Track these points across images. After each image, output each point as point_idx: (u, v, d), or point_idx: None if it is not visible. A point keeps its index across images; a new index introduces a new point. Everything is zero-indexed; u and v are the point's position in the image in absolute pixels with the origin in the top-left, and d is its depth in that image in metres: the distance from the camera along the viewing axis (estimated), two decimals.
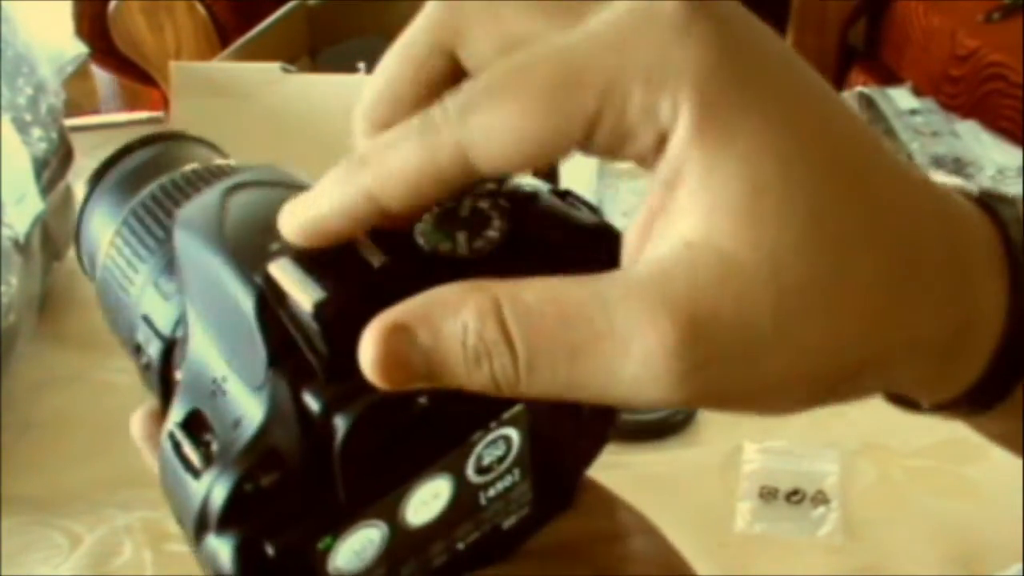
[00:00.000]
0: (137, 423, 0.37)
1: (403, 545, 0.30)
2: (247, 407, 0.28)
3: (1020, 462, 0.87)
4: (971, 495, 0.89)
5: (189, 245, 0.30)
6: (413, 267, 0.27)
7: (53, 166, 1.23)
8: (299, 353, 0.27)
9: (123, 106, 2.04)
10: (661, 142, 0.24)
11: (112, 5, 1.67)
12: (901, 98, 1.37)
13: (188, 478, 0.28)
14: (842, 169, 0.24)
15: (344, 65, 1.38)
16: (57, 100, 1.29)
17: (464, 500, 0.31)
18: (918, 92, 1.44)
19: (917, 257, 0.25)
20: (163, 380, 0.34)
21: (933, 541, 0.84)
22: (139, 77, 1.79)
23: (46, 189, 1.19)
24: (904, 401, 0.31)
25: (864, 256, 0.24)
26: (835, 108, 0.25)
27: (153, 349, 0.34)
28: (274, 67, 1.21)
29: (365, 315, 0.26)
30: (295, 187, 0.31)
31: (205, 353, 0.29)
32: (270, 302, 0.27)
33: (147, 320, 0.35)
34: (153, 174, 0.37)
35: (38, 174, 1.17)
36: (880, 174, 0.25)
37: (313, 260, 0.27)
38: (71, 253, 1.30)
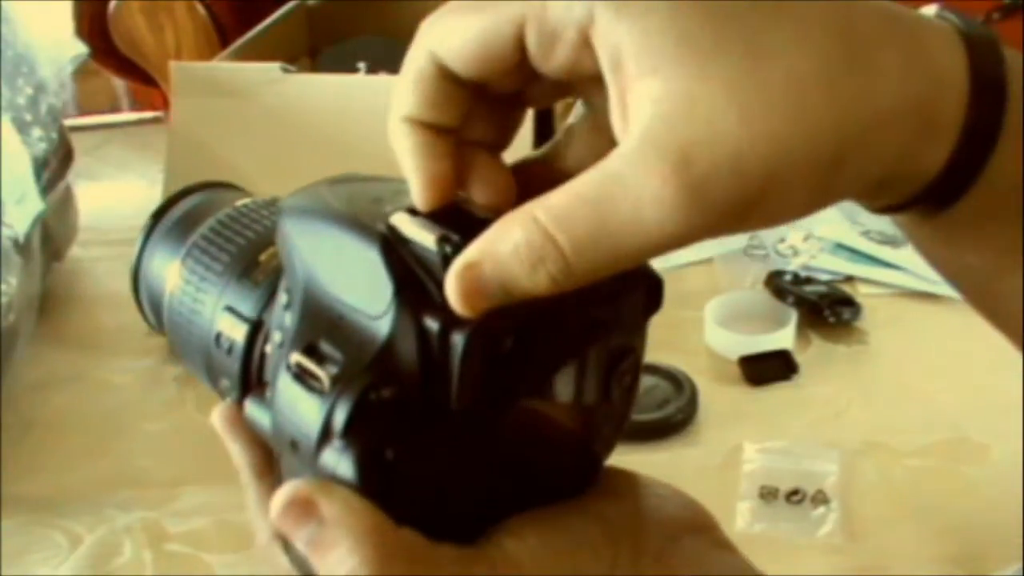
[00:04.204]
0: (219, 413, 0.40)
1: None
2: (367, 333, 0.32)
3: (1020, 462, 0.87)
4: (971, 495, 0.89)
5: (302, 221, 0.35)
6: None
7: (53, 166, 1.23)
8: (420, 285, 0.32)
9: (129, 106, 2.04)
10: (584, 40, 0.30)
11: (112, 5, 1.67)
12: None
13: (311, 398, 0.32)
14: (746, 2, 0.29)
15: (344, 65, 1.38)
16: (57, 100, 1.29)
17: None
18: None
19: (851, 32, 0.30)
20: (246, 359, 0.39)
21: (933, 541, 0.84)
22: (139, 77, 1.79)
23: (46, 189, 1.19)
24: (891, 208, 0.34)
25: (796, 48, 0.29)
26: None
27: (238, 333, 0.39)
28: (274, 67, 1.20)
29: None
30: (385, 179, 0.36)
31: (320, 300, 0.34)
32: (394, 244, 0.32)
33: (231, 310, 0.39)
34: (203, 215, 0.43)
35: (38, 174, 1.17)
36: None
37: (428, 214, 0.33)
38: (71, 253, 1.30)
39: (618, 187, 0.29)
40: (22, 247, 1.07)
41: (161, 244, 0.44)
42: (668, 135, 0.29)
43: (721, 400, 1.01)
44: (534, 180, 0.35)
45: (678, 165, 0.28)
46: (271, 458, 0.37)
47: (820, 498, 0.89)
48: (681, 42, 0.29)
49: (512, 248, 0.30)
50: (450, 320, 0.31)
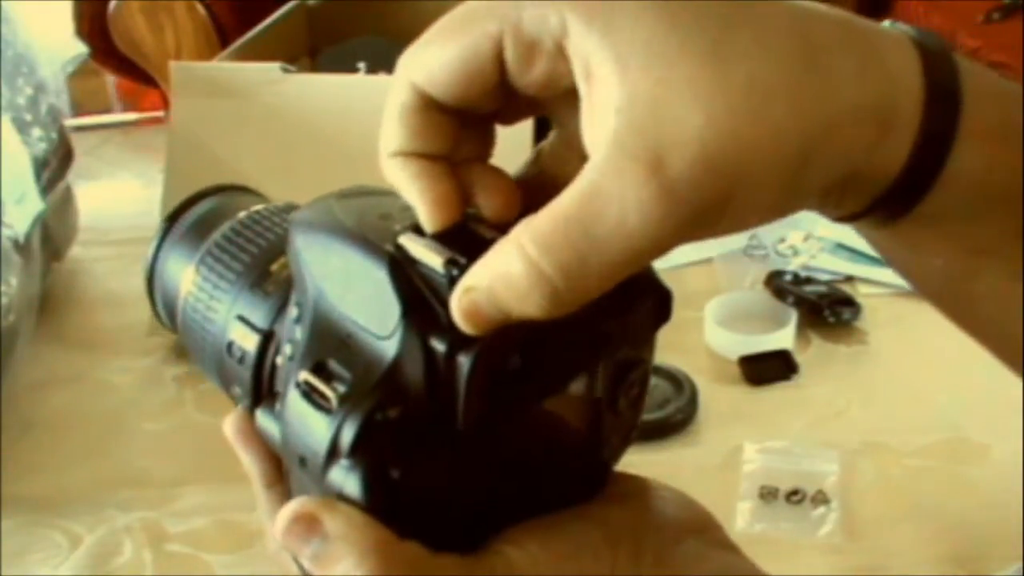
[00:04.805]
0: (231, 423, 0.40)
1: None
2: (375, 353, 0.33)
3: (1020, 462, 0.87)
4: (971, 495, 0.89)
5: (312, 237, 0.35)
6: None
7: (53, 166, 1.23)
8: (427, 306, 0.32)
9: (125, 107, 2.04)
10: (560, 50, 0.31)
11: (112, 5, 1.67)
12: None
13: (319, 416, 0.33)
14: (713, 7, 0.31)
15: (344, 65, 1.38)
16: (57, 100, 1.29)
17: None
18: None
19: (808, 38, 0.31)
20: (257, 369, 0.39)
21: (933, 541, 0.84)
22: (139, 77, 1.79)
23: (46, 189, 1.19)
24: (854, 216, 0.35)
25: (757, 52, 0.30)
26: None
27: (250, 343, 0.39)
28: (274, 67, 1.20)
29: None
30: (393, 193, 0.36)
31: (329, 317, 0.34)
32: (402, 264, 0.33)
33: (243, 319, 0.39)
34: (219, 220, 0.43)
35: (38, 174, 1.17)
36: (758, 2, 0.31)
37: (435, 234, 0.33)
38: (71, 253, 1.30)
39: (599, 199, 0.30)
40: (22, 247, 1.07)
41: (177, 247, 0.44)
42: (637, 140, 0.29)
43: (721, 400, 1.01)
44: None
45: (653, 167, 0.29)
46: (282, 467, 0.38)
47: (820, 498, 0.89)
48: (646, 49, 0.30)
49: (501, 277, 0.30)
50: (456, 341, 0.31)
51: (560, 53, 0.31)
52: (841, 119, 0.31)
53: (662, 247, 0.30)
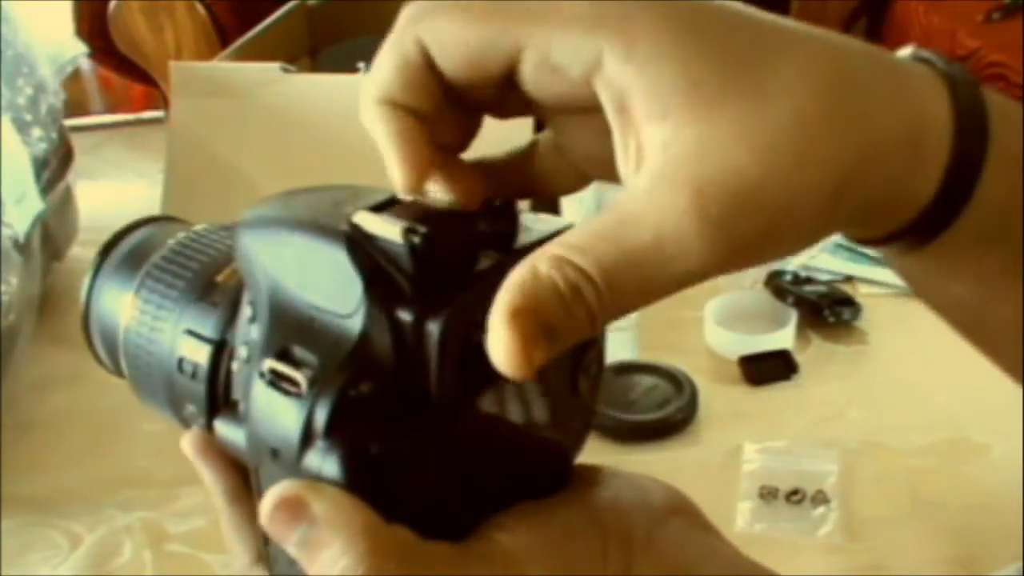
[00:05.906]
0: (188, 440, 0.41)
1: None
2: (340, 333, 0.32)
3: (1020, 462, 0.87)
4: (971, 495, 0.89)
5: (262, 233, 0.34)
6: (473, 212, 0.34)
7: (53, 166, 1.23)
8: (388, 278, 0.32)
9: (108, 107, 2.04)
10: (586, 80, 0.31)
11: (112, 5, 1.67)
12: None
13: (289, 402, 0.32)
14: (753, 44, 0.31)
15: (344, 65, 1.38)
16: (57, 100, 1.29)
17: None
18: None
19: (843, 69, 0.32)
20: (212, 380, 0.38)
21: (933, 541, 0.84)
22: (139, 77, 1.79)
23: (46, 189, 1.19)
24: (877, 240, 0.36)
25: (798, 86, 0.31)
26: (726, 7, 0.32)
27: (201, 355, 0.38)
28: (274, 67, 1.20)
29: (442, 240, 0.32)
30: (340, 187, 0.35)
31: (288, 307, 0.33)
32: (359, 241, 0.32)
33: (192, 332, 0.39)
34: (154, 246, 0.42)
35: (38, 174, 1.17)
36: (794, 34, 0.32)
37: (389, 210, 0.33)
38: (71, 253, 1.30)
39: (636, 226, 0.30)
40: (22, 247, 1.07)
41: (111, 279, 0.43)
42: (681, 174, 0.30)
43: (721, 400, 1.01)
44: (496, 181, 0.36)
45: (694, 201, 0.30)
46: (246, 481, 0.37)
47: (820, 498, 0.89)
48: (690, 89, 0.30)
49: (553, 289, 0.30)
50: (423, 310, 0.31)
51: (585, 83, 0.31)
52: (876, 148, 0.31)
53: (706, 275, 0.31)
